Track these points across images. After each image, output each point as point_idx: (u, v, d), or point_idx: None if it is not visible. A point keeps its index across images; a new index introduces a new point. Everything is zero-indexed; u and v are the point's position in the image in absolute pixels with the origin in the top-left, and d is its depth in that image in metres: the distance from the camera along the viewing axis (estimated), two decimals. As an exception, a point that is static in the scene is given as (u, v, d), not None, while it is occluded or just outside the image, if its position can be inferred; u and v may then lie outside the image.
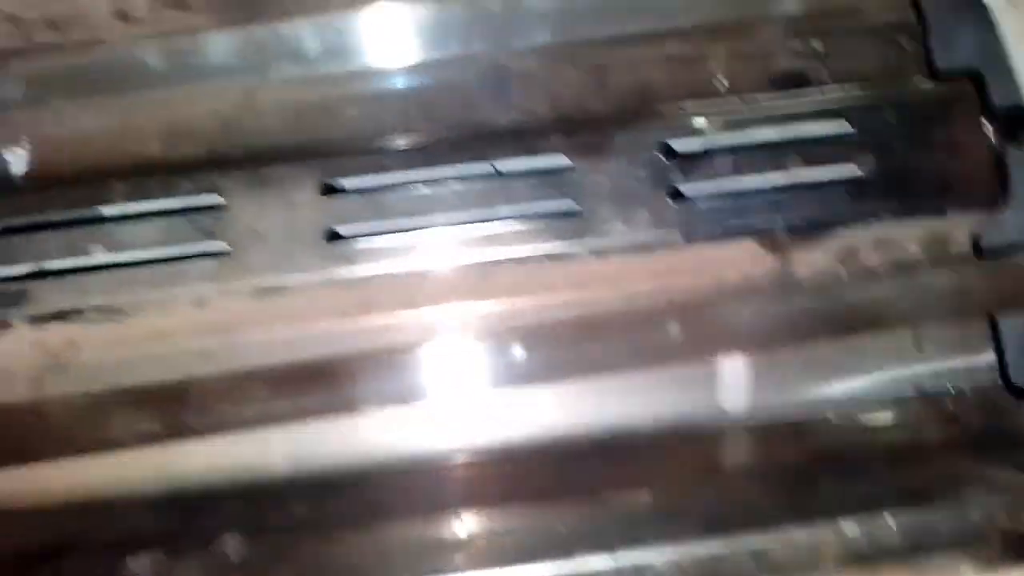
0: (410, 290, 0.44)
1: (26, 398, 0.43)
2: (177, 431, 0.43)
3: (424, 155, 0.45)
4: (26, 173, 0.46)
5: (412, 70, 0.46)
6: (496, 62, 0.47)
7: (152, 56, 0.45)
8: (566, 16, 0.46)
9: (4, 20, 0.45)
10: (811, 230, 0.45)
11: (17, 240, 0.43)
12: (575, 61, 0.47)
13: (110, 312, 0.43)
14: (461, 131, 0.46)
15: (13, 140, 0.46)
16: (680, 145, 0.44)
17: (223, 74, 0.45)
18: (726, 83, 0.48)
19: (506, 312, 0.44)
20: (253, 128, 0.46)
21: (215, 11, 0.46)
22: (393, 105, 0.46)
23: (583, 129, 0.45)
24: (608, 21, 0.46)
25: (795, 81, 0.48)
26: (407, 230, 0.44)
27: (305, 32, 0.46)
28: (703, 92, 0.47)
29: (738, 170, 0.44)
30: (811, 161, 0.45)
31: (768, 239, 0.45)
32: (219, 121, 0.46)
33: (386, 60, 0.46)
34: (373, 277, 0.44)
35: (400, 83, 0.46)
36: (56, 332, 0.43)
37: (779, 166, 0.45)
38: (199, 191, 0.43)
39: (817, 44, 0.48)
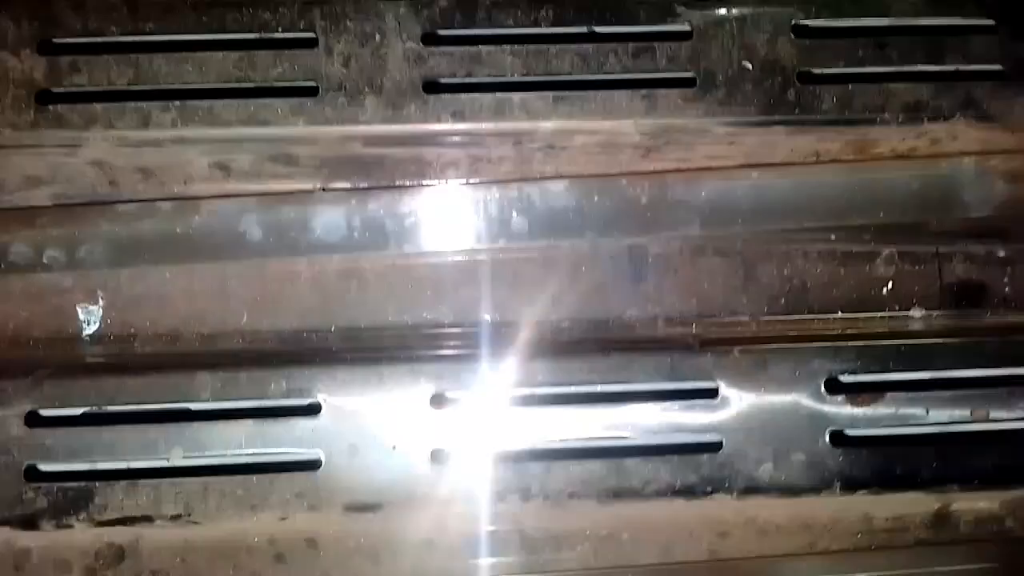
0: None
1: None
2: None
3: (548, 362, 0.39)
4: (99, 333, 0.41)
5: (538, 254, 0.41)
6: (635, 250, 0.42)
7: (251, 221, 0.40)
8: (716, 210, 0.41)
9: (92, 165, 0.41)
10: (986, 482, 0.39)
11: (86, 432, 0.38)
12: (722, 251, 0.42)
13: (183, 521, 0.38)
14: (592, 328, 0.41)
15: (90, 298, 0.41)
16: (845, 376, 0.39)
17: (324, 247, 0.40)
18: (891, 288, 0.42)
19: (632, 551, 0.38)
20: (354, 309, 0.41)
21: (322, 171, 0.41)
22: (512, 290, 0.42)
23: (731, 343, 0.40)
24: (762, 217, 0.41)
25: (973, 294, 0.42)
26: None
27: (418, 203, 0.41)
28: (866, 300, 0.42)
29: (913, 412, 0.38)
30: (997, 402, 0.39)
31: (936, 490, 0.39)
32: (319, 298, 0.41)
33: (506, 240, 0.41)
34: (480, 497, 0.39)
35: (524, 266, 0.41)
36: (120, 535, 0.38)
37: (957, 408, 0.39)
38: (291, 392, 0.38)
39: (1000, 250, 0.42)
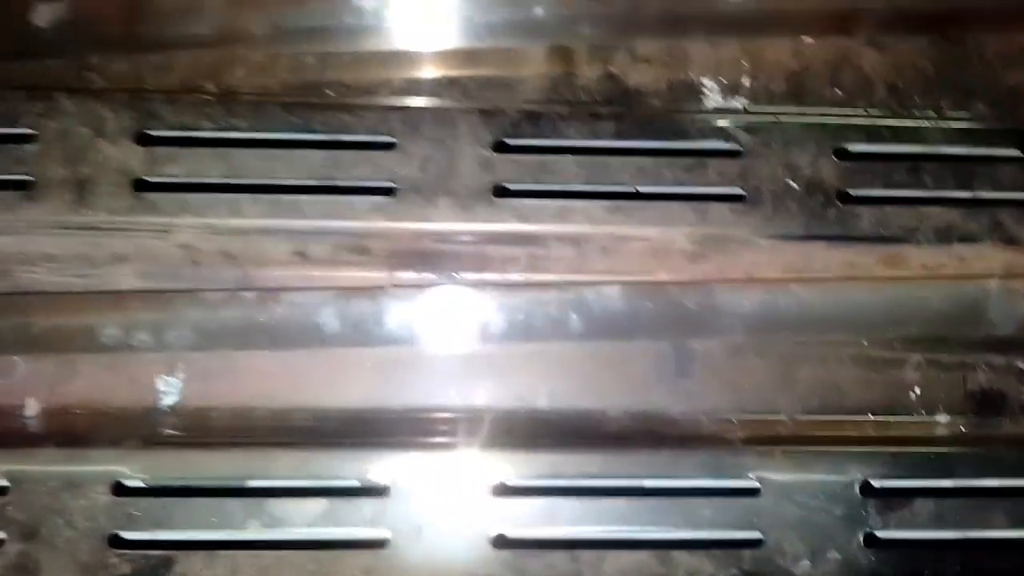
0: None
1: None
2: None
3: (599, 454, 0.42)
4: (177, 406, 0.44)
5: (590, 348, 0.44)
6: (680, 348, 0.45)
7: (327, 314, 0.43)
8: (759, 317, 0.44)
9: (178, 247, 0.44)
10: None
11: (168, 502, 0.41)
12: (761, 352, 0.45)
13: (257, 593, 0.40)
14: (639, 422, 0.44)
15: (170, 371, 0.44)
16: (877, 480, 0.41)
17: (394, 338, 0.43)
18: (919, 392, 0.45)
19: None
20: (421, 395, 0.44)
21: (391, 261, 0.44)
22: (566, 381, 0.44)
23: (772, 442, 0.43)
24: (801, 325, 0.44)
25: (995, 402, 0.45)
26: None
27: (482, 298, 0.43)
28: (895, 404, 0.45)
29: (940, 517, 0.41)
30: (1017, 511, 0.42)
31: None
32: (388, 382, 0.44)
33: (562, 337, 0.44)
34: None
35: (577, 359, 0.44)
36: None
37: (980, 514, 0.42)
38: (362, 473, 0.41)
39: (1021, 363, 0.45)
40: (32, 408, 0.43)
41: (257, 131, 0.43)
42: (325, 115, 0.43)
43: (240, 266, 0.44)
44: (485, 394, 0.44)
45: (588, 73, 0.46)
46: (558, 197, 0.44)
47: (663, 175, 0.44)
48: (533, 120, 0.44)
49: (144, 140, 0.43)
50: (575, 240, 0.44)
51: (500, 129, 0.44)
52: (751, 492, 0.41)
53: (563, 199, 0.43)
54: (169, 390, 0.44)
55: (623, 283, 0.43)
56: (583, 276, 0.44)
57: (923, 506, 0.41)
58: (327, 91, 0.45)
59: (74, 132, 0.43)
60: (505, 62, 0.46)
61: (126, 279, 0.43)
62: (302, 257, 0.44)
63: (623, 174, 0.44)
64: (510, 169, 0.43)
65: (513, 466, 0.41)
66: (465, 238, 0.44)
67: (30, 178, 0.42)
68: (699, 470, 0.41)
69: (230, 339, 0.42)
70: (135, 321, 0.42)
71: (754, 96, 0.46)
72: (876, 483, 0.41)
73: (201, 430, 0.43)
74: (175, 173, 0.43)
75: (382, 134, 0.43)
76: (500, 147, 0.43)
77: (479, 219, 0.43)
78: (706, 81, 0.46)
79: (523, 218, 0.43)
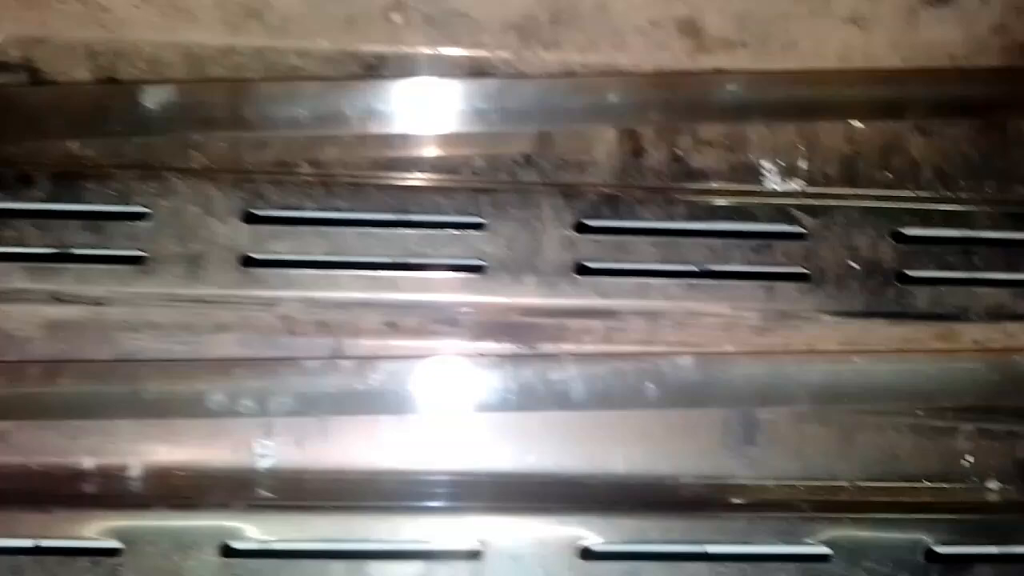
0: None
1: None
2: None
3: (674, 520, 0.45)
4: (273, 468, 0.46)
5: (661, 416, 0.47)
6: (746, 416, 0.48)
7: (419, 383, 0.45)
8: (823, 389, 0.47)
9: (278, 318, 0.47)
10: None
11: (273, 563, 0.43)
12: (823, 420, 0.48)
13: None
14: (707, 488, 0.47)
15: (266, 435, 0.47)
16: (940, 547, 0.44)
17: (483, 405, 0.45)
18: (971, 460, 0.48)
19: None
20: (509, 459, 0.46)
21: (480, 332, 0.47)
22: (639, 447, 0.47)
23: (835, 507, 0.46)
24: (862, 396, 0.47)
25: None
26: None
27: (565, 368, 0.45)
28: (949, 471, 0.47)
29: (998, 582, 0.44)
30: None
31: None
32: (477, 446, 0.47)
33: (637, 405, 0.47)
34: None
35: (651, 426, 0.47)
36: None
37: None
38: (454, 536, 0.43)
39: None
40: (136, 470, 0.46)
41: (355, 211, 0.47)
42: (418, 196, 0.47)
43: (335, 336, 0.47)
44: (567, 459, 0.47)
45: (655, 155, 0.49)
46: (635, 275, 0.47)
47: (733, 255, 0.47)
48: (611, 203, 0.47)
49: (251, 219, 0.46)
50: (650, 315, 0.47)
51: (581, 211, 0.47)
52: (822, 558, 0.44)
53: (640, 277, 0.47)
54: (267, 453, 0.47)
55: (695, 354, 0.46)
56: (658, 347, 0.47)
57: (983, 571, 0.44)
58: (415, 170, 0.48)
59: (185, 210, 0.46)
60: (578, 143, 0.49)
61: (227, 347, 0.47)
62: (393, 328, 0.47)
63: (695, 254, 0.47)
64: (591, 248, 0.47)
65: (595, 530, 0.44)
66: (548, 312, 0.47)
67: (143, 253, 0.45)
68: (771, 536, 0.44)
69: (328, 405, 0.45)
70: (240, 388, 0.45)
71: (811, 178, 0.49)
72: (939, 549, 0.44)
73: (297, 493, 0.45)
74: (279, 250, 0.46)
75: (470, 214, 0.47)
76: (581, 228, 0.47)
77: (562, 295, 0.47)
78: (765, 163, 0.50)
79: (603, 294, 0.47)
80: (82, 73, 0.48)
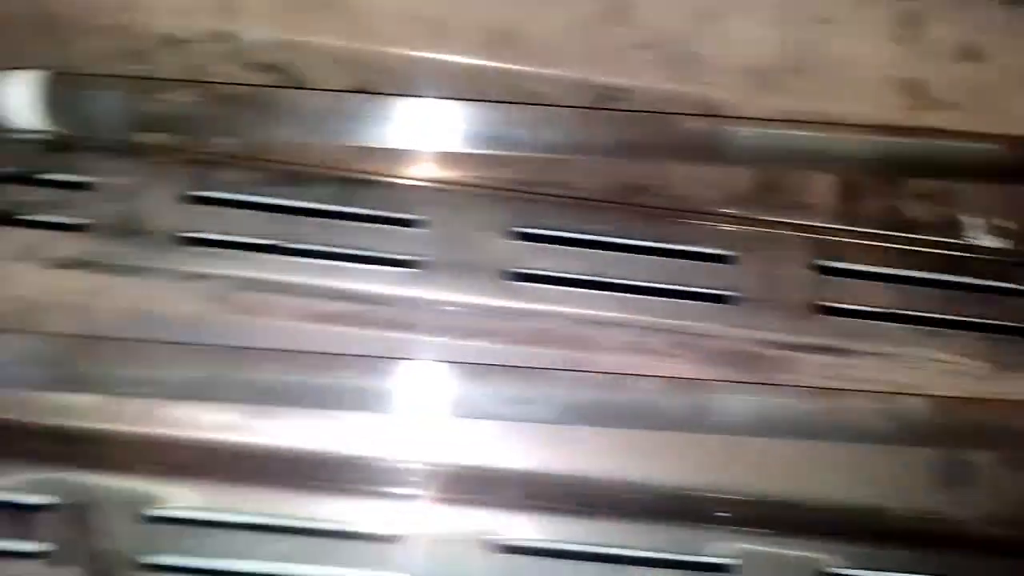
0: None
1: None
2: None
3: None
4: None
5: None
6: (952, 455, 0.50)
7: (667, 401, 0.48)
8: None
9: (535, 332, 0.49)
10: None
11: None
12: None
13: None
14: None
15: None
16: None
17: (727, 427, 0.48)
18: None
19: None
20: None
21: (719, 359, 0.50)
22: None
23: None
24: None
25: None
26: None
27: (797, 401, 0.49)
28: None
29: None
30: None
31: None
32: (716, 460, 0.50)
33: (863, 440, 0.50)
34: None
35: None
36: None
37: None
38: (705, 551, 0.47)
39: None
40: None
41: (611, 236, 0.50)
42: (678, 228, 0.50)
43: (589, 351, 0.50)
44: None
45: (874, 203, 0.53)
46: (870, 318, 0.50)
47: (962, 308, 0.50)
48: (849, 248, 0.51)
49: (517, 237, 0.49)
50: (881, 355, 0.50)
51: (822, 253, 0.50)
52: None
53: (875, 320, 0.50)
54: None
55: (923, 396, 0.49)
56: (886, 387, 0.50)
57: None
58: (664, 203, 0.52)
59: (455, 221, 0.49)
60: (799, 188, 0.53)
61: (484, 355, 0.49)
62: (635, 349, 0.50)
63: (930, 302, 0.50)
64: (830, 289, 0.50)
65: (833, 555, 0.47)
66: (783, 345, 0.50)
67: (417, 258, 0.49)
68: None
69: (591, 416, 0.48)
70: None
71: (1019, 238, 0.53)
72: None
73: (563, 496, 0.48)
74: (543, 266, 0.49)
75: (721, 247, 0.50)
76: (823, 270, 0.50)
77: (800, 333, 0.50)
78: (972, 220, 0.53)
79: (838, 334, 0.50)
80: (340, 81, 0.50)
